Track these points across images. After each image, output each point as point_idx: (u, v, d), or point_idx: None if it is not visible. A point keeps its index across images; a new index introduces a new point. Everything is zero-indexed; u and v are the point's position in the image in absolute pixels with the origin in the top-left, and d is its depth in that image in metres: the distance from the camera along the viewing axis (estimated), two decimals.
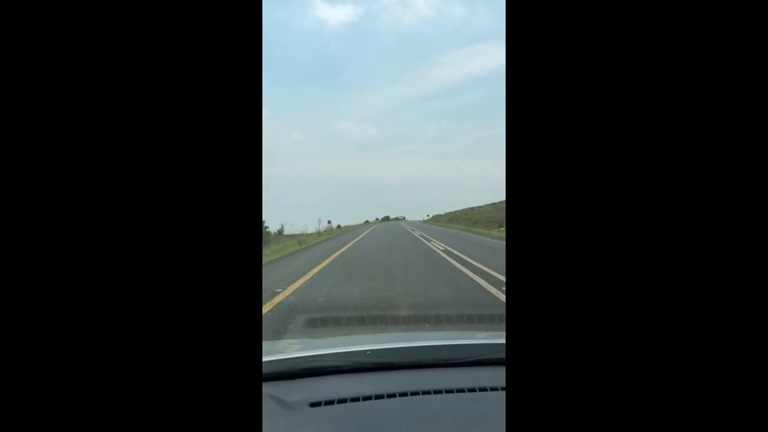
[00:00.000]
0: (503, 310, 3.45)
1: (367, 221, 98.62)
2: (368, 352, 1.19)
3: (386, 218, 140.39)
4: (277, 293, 5.85)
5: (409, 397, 0.98)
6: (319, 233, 24.02)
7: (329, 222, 33.35)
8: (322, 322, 3.73)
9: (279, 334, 3.48)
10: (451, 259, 10.31)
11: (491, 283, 6.68)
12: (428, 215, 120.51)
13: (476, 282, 6.90)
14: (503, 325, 0.69)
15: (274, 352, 1.28)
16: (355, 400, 0.97)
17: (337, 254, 12.12)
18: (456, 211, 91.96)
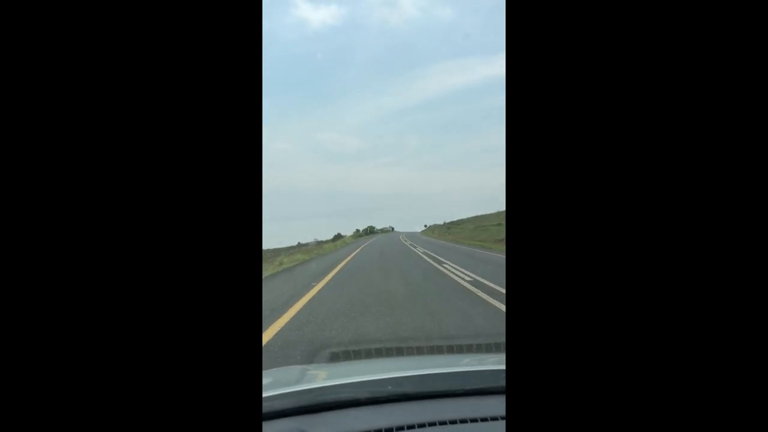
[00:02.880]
0: None
1: (339, 235, 57.46)
2: (389, 387, 1.21)
3: (370, 230, 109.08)
4: None
5: (428, 428, 1.03)
6: None
7: None
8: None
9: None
10: None
11: None
12: (426, 225, 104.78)
13: None
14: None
15: (294, 381, 1.30)
16: None
17: None
18: (461, 220, 77.98)
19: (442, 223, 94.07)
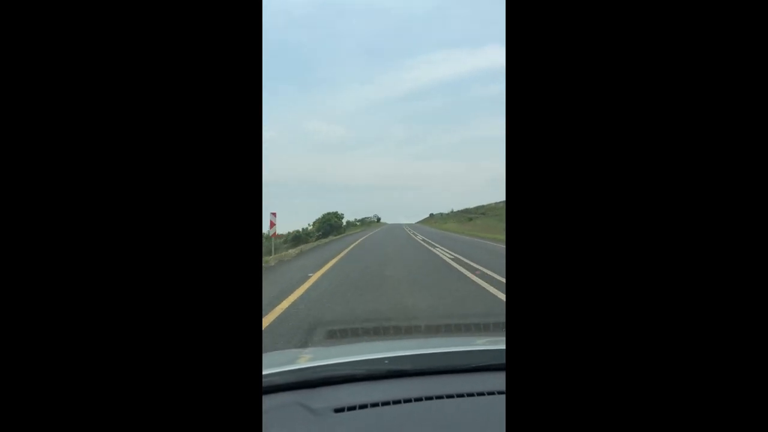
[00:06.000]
0: None
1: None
2: (386, 361, 1.27)
3: (330, 221, 45.58)
4: None
5: (424, 402, 1.08)
6: None
7: None
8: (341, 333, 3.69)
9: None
10: None
11: None
12: (431, 213, 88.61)
13: None
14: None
15: (293, 361, 1.36)
16: (374, 405, 1.06)
17: None
18: (480, 207, 62.62)
19: (449, 211, 79.27)
